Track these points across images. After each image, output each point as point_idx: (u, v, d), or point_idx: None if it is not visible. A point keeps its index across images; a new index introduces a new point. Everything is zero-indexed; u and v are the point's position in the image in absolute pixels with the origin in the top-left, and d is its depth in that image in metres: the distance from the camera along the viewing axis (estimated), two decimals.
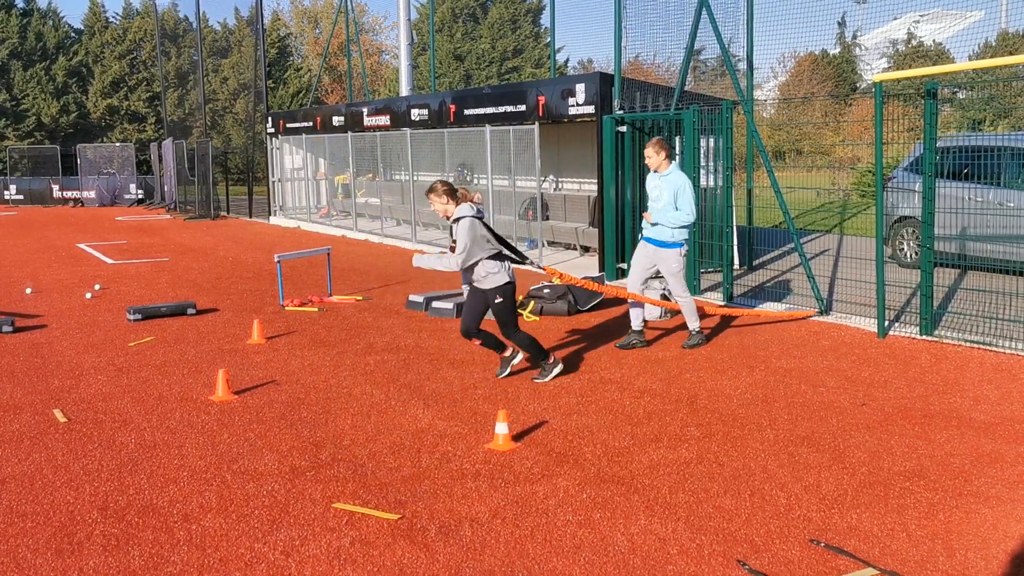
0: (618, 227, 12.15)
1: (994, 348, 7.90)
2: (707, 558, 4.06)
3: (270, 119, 23.67)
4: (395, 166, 20.60)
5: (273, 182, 23.78)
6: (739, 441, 5.63)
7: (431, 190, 6.91)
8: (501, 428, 5.61)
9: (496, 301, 6.90)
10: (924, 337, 8.34)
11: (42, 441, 5.87)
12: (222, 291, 11.97)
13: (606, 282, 11.15)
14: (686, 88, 12.31)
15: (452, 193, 6.85)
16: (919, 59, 35.27)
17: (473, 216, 6.77)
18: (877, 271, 8.50)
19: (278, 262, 10.80)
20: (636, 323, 8.29)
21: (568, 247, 15.19)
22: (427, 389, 6.96)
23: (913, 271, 10.53)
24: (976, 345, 8.02)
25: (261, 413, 6.42)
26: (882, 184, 8.51)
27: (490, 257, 6.81)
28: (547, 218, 15.34)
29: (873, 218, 9.07)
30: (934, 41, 37.78)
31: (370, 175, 20.55)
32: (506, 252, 6.94)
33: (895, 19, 34.85)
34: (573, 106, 12.82)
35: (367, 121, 18.98)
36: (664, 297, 8.96)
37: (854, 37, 43.86)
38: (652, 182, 8.18)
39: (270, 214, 23.93)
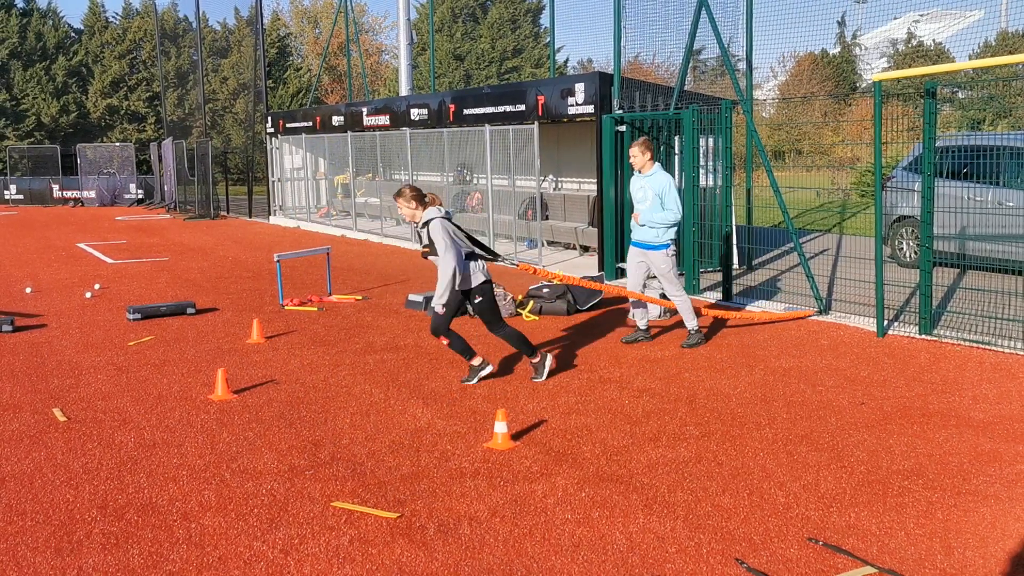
0: (618, 227, 12.15)
1: (993, 347, 7.91)
2: (705, 556, 4.06)
3: (270, 119, 23.67)
4: (395, 166, 20.60)
5: (273, 182, 23.78)
6: (738, 440, 5.64)
7: (399, 194, 6.87)
8: (500, 427, 5.62)
9: (476, 301, 6.93)
10: (923, 336, 8.35)
11: (42, 440, 5.87)
12: (222, 291, 11.97)
13: (605, 282, 11.16)
14: (685, 88, 12.32)
15: (420, 198, 6.84)
16: (919, 59, 35.27)
17: (442, 217, 6.80)
18: (876, 270, 8.51)
19: (278, 262, 10.81)
20: (641, 323, 8.41)
21: (568, 247, 15.20)
22: (426, 388, 6.97)
23: (912, 270, 10.54)
24: (975, 344, 8.03)
25: (260, 412, 6.42)
26: (881, 184, 8.51)
27: (464, 258, 6.82)
28: (547, 218, 15.35)
29: (872, 218, 9.07)
30: (934, 41, 37.77)
31: (370, 175, 20.55)
32: (478, 252, 6.94)
33: (895, 19, 34.88)
34: (572, 106, 12.82)
35: (367, 121, 18.98)
36: (664, 296, 8.97)
37: (854, 37, 43.87)
38: (636, 183, 8.27)
39: (270, 214, 23.94)
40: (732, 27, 11.97)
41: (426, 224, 6.80)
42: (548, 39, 21.51)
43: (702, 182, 11.39)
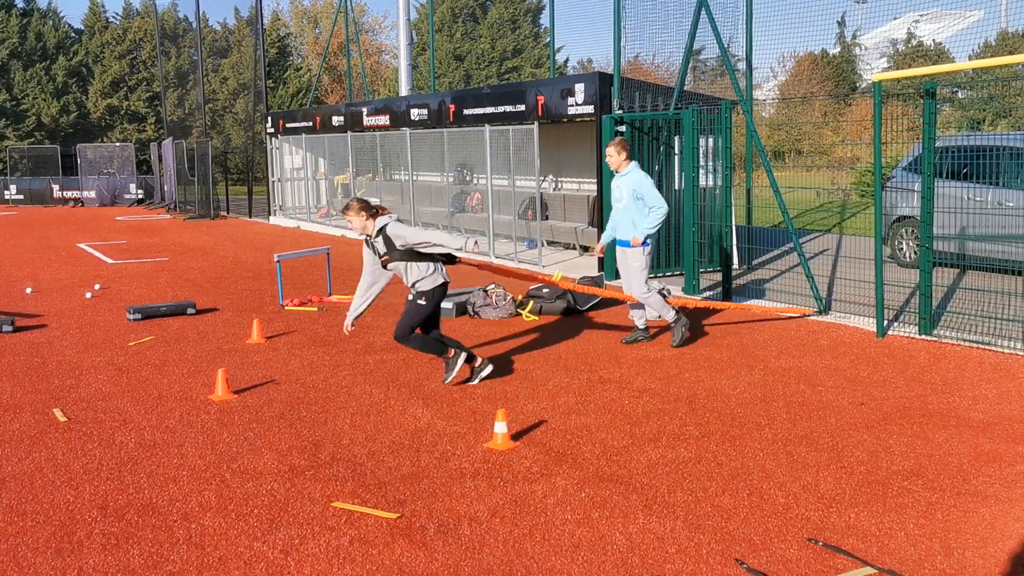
0: None
1: (993, 348, 7.91)
2: (705, 557, 4.07)
3: (270, 119, 23.67)
4: (394, 166, 20.60)
5: (273, 182, 23.79)
6: (738, 440, 5.64)
7: (347, 208, 6.80)
8: (500, 427, 5.62)
9: (419, 302, 6.84)
10: (923, 336, 8.35)
11: (42, 440, 5.88)
12: (222, 291, 11.98)
13: (605, 283, 11.16)
14: (685, 88, 12.33)
15: (369, 208, 6.79)
16: (919, 59, 35.27)
17: (396, 220, 6.81)
18: (876, 271, 8.51)
19: (278, 262, 10.81)
20: (640, 323, 8.41)
21: (567, 247, 15.21)
22: (426, 388, 6.97)
23: (912, 271, 10.54)
24: (975, 344, 8.03)
25: (260, 412, 6.42)
26: (881, 184, 8.52)
27: (421, 260, 6.80)
28: (546, 218, 15.35)
29: (872, 218, 9.08)
30: (934, 41, 37.77)
31: (370, 175, 20.55)
32: (435, 253, 6.84)
33: (895, 19, 34.87)
34: (572, 106, 12.82)
35: (367, 121, 18.98)
36: (662, 295, 8.98)
37: (854, 37, 43.89)
38: (614, 183, 8.38)
39: (270, 214, 23.94)
40: (732, 27, 11.99)
41: (380, 231, 6.75)
42: (548, 39, 21.53)
43: (702, 182, 11.40)
